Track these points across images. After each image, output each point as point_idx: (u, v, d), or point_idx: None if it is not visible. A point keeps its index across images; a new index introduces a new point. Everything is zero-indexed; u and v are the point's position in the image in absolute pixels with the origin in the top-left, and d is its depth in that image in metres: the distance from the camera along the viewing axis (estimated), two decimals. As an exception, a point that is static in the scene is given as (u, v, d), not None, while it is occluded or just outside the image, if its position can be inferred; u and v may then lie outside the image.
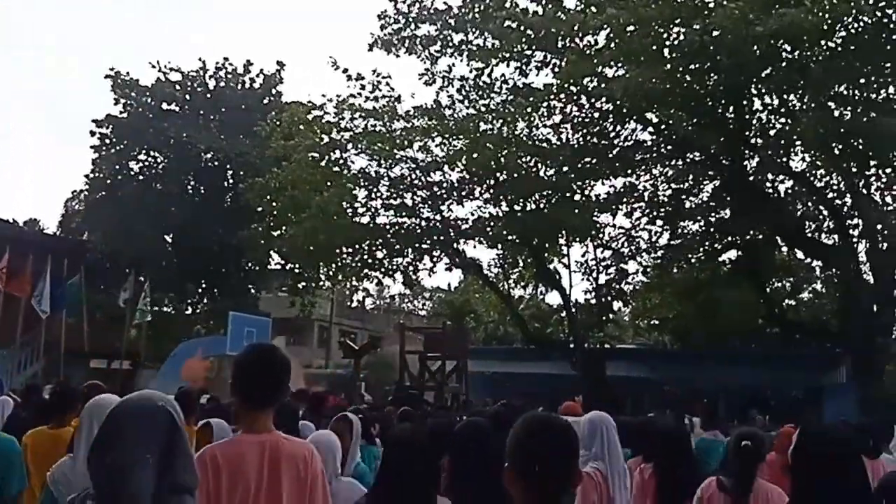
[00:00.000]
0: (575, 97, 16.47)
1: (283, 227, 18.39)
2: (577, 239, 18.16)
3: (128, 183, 25.53)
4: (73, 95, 72.58)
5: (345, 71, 17.12)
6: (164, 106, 26.07)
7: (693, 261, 18.80)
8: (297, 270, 20.16)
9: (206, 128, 25.21)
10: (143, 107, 25.81)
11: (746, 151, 16.58)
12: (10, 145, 70.73)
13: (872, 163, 15.34)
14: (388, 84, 17.26)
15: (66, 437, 3.68)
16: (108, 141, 26.03)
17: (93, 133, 25.87)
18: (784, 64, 14.09)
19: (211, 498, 2.36)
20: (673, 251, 18.69)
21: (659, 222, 18.58)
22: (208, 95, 26.50)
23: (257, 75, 27.21)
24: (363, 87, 17.14)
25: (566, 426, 1.84)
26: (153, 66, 26.24)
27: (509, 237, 17.89)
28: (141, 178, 26.09)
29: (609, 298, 19.15)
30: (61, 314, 19.75)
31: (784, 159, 16.26)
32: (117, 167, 25.76)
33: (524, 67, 16.89)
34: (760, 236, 17.71)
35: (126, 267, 21.73)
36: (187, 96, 26.49)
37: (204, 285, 26.21)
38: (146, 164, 26.48)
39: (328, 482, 2.84)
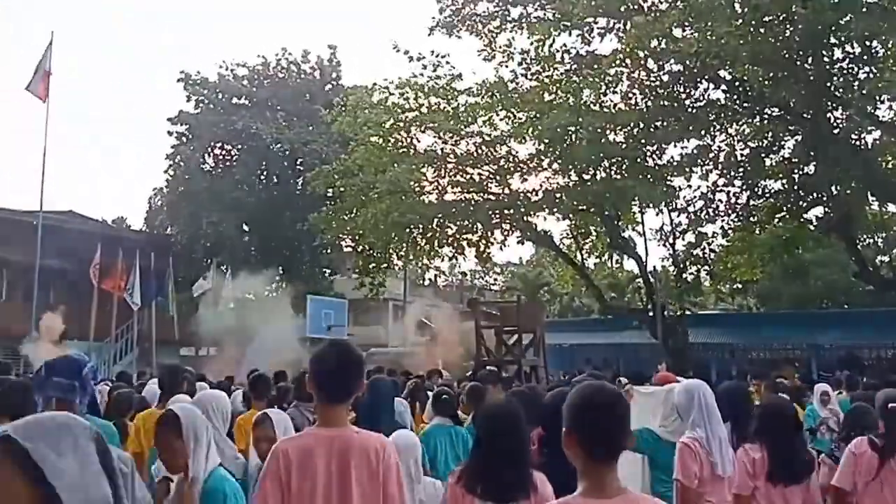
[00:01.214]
0: (642, 61, 16.00)
1: (353, 210, 18.72)
2: (651, 205, 17.71)
3: (203, 177, 26.51)
4: (150, 95, 75.58)
5: (406, 52, 17.22)
6: (234, 101, 26.88)
7: (776, 221, 18.01)
8: (367, 252, 20.49)
9: (273, 118, 25.85)
10: (213, 103, 26.68)
11: (829, 103, 15.74)
12: (96, 147, 74.46)
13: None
14: (448, 62, 17.26)
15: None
16: (183, 138, 27.07)
17: (170, 132, 26.98)
18: (864, 10, 13.23)
19: (283, 493, 2.43)
20: (754, 212, 17.97)
21: (738, 183, 17.88)
22: (272, 87, 27.14)
23: (315, 63, 27.66)
24: (425, 68, 17.21)
25: (616, 393, 1.92)
26: (220, 66, 27.11)
27: (580, 207, 17.63)
28: (216, 171, 27.04)
29: (688, 264, 18.60)
30: (151, 306, 20.83)
31: (870, 109, 15.32)
32: (193, 162, 26.76)
33: (587, 35, 16.54)
34: (848, 191, 16.79)
35: (208, 258, 22.65)
36: (253, 89, 27.20)
37: (281, 271, 27.01)
38: (219, 157, 27.42)
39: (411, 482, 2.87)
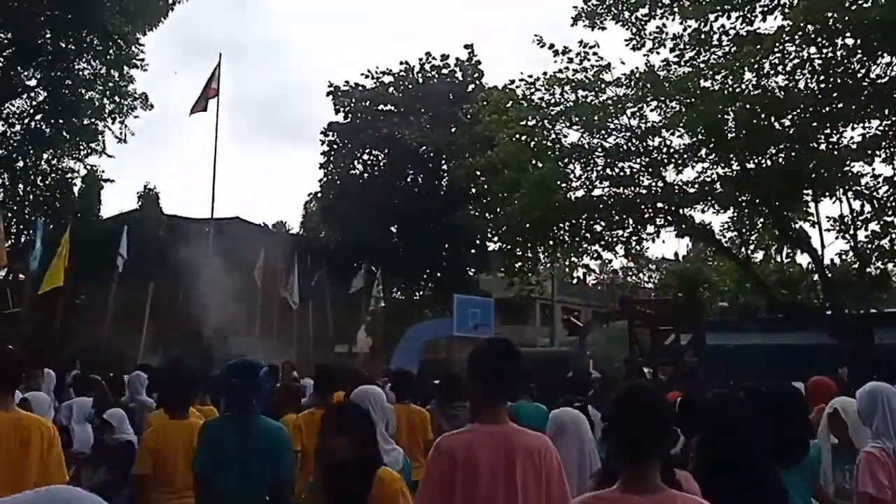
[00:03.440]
0: (812, 37, 14.54)
1: (498, 209, 18.60)
2: (826, 193, 16.05)
3: (354, 181, 27.76)
4: (302, 102, 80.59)
5: (551, 46, 16.85)
6: (380, 107, 27.88)
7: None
8: (514, 250, 20.36)
9: (418, 123, 26.50)
10: (361, 111, 27.84)
11: None
12: (257, 156, 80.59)
13: None
14: (595, 53, 16.65)
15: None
16: (334, 145, 28.48)
17: (322, 141, 28.52)
18: None
19: (445, 488, 2.40)
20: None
21: (930, 165, 15.76)
22: (416, 92, 27.82)
23: (455, 66, 27.99)
24: (570, 61, 16.71)
25: (654, 395, 2.04)
26: (366, 76, 28.22)
27: (742, 198, 16.36)
28: (365, 175, 28.20)
29: (873, 256, 16.64)
30: (308, 305, 22.00)
31: None
32: (344, 168, 28.08)
33: (749, 15, 15.31)
34: None
35: (359, 259, 23.60)
36: (398, 95, 28.06)
37: (428, 270, 27.62)
38: (368, 162, 28.58)
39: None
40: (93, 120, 22.17)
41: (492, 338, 3.06)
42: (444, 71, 28.37)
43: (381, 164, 28.13)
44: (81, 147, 22.48)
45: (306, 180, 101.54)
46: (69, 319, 17.82)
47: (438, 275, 27.74)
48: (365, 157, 28.59)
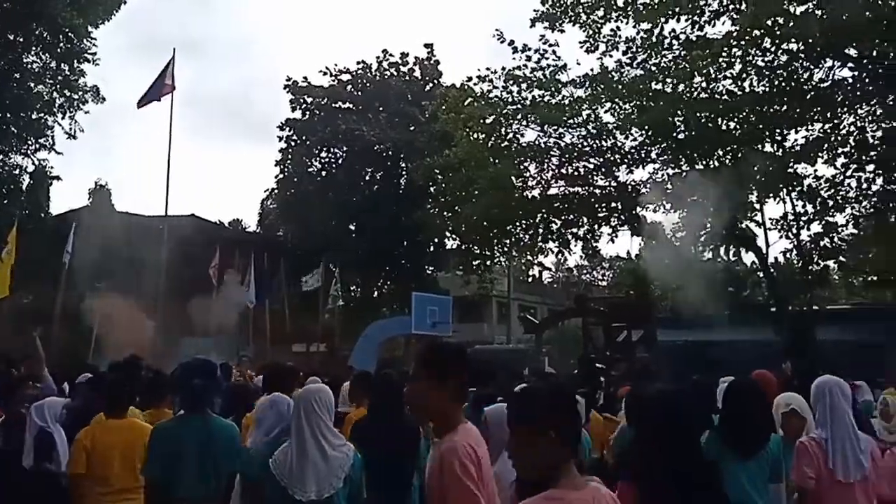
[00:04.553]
0: (759, 41, 15.05)
1: (456, 207, 18.73)
2: (770, 193, 16.64)
3: (312, 179, 27.58)
4: (259, 99, 79.48)
5: (510, 43, 17.04)
6: (338, 105, 27.75)
7: (916, 206, 16.45)
8: (472, 249, 20.53)
9: (376, 121, 26.45)
10: (318, 108, 27.66)
11: (976, 75, 14.19)
12: (213, 153, 79.10)
13: None
14: (554, 52, 16.91)
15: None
16: (292, 143, 28.23)
17: (279, 137, 28.25)
18: None
19: (479, 486, 2.41)
20: (889, 198, 16.48)
21: (870, 167, 16.46)
22: (374, 90, 27.78)
23: (414, 64, 28.05)
24: (528, 59, 16.94)
25: (562, 388, 2.24)
26: (324, 74, 28.06)
27: (692, 198, 16.82)
28: (323, 173, 28.04)
29: (815, 255, 17.31)
30: (265, 304, 21.76)
31: None
32: (301, 166, 27.86)
33: (698, 19, 15.75)
34: None
35: (316, 257, 23.45)
36: (357, 93, 27.97)
37: (386, 268, 27.62)
38: (326, 160, 28.42)
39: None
40: (42, 114, 21.52)
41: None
42: (403, 69, 28.40)
43: (339, 161, 28.01)
44: (30, 142, 21.81)
45: (263, 177, 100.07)
46: (12, 321, 17.29)
47: (397, 273, 27.77)
48: (323, 154, 28.42)
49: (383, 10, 75.37)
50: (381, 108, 27.31)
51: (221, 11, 75.30)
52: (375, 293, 28.68)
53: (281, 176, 28.60)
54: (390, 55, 28.40)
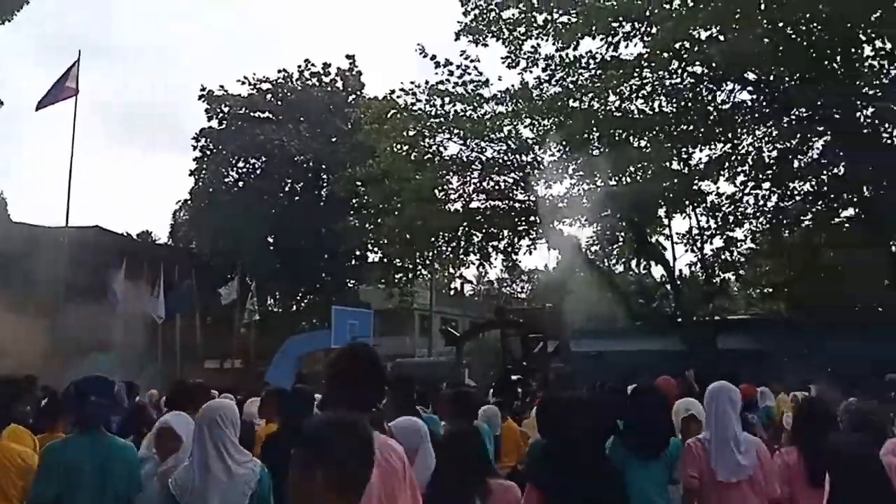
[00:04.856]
0: (667, 64, 15.84)
1: (378, 219, 18.69)
2: (677, 209, 17.48)
3: (228, 190, 26.83)
4: (173, 107, 76.75)
5: (433, 58, 17.22)
6: (257, 115, 27.18)
7: (806, 223, 17.67)
8: (394, 262, 20.51)
9: (297, 131, 26.06)
10: (237, 118, 27.00)
11: (858, 102, 15.44)
12: (120, 161, 75.64)
13: None
14: (476, 68, 17.19)
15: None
16: (207, 152, 27.41)
17: (193, 147, 27.38)
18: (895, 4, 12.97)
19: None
20: (783, 214, 17.64)
21: (766, 185, 17.59)
22: (295, 100, 27.39)
23: (336, 75, 27.88)
24: (451, 73, 17.16)
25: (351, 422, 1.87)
26: (242, 83, 27.44)
27: (605, 213, 17.46)
28: (240, 184, 27.34)
29: (716, 268, 18.32)
30: (175, 319, 20.94)
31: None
32: (217, 176, 27.08)
33: (612, 40, 16.42)
34: (881, 191, 16.39)
35: (232, 270, 22.80)
36: (277, 103, 27.49)
37: (306, 282, 27.16)
38: (243, 170, 27.72)
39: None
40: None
41: (351, 343, 2.92)
42: (325, 80, 28.13)
43: (258, 172, 27.38)
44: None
45: (176, 188, 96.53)
46: None
47: (317, 286, 27.34)
48: (240, 165, 27.71)
49: (304, 20, 74.58)
50: (301, 119, 26.93)
51: (134, 16, 72.51)
52: (294, 307, 28.12)
53: (195, 187, 27.70)
54: (312, 65, 28.13)
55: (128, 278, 19.35)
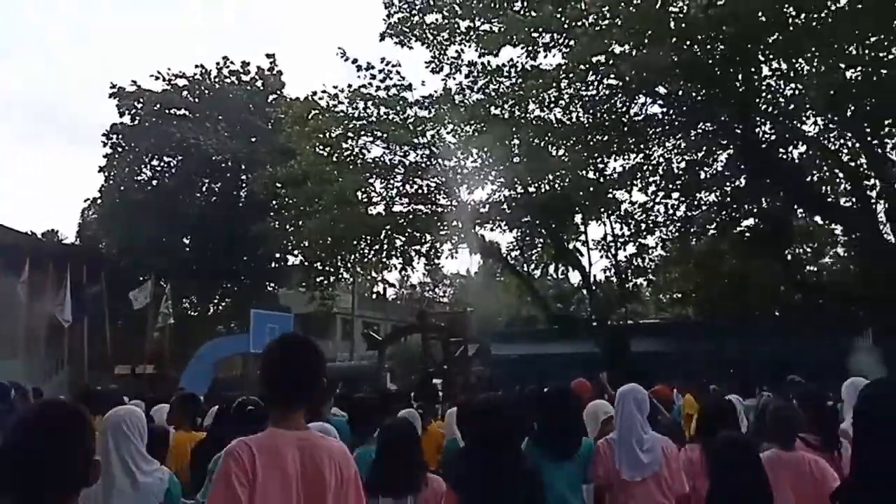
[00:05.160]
0: (584, 76, 16.39)
1: (300, 222, 18.46)
2: (592, 217, 18.13)
3: (140, 189, 25.79)
4: (84, 103, 72.95)
5: (354, 61, 17.14)
6: (172, 111, 26.26)
7: (711, 232, 18.71)
8: (315, 265, 20.25)
9: (214, 129, 25.36)
10: (150, 114, 26.01)
11: (758, 119, 16.46)
12: (26, 158, 71.28)
13: (886, 122, 15.15)
14: (398, 72, 17.24)
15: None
16: (119, 149, 26.27)
17: (104, 143, 26.18)
18: (791, 28, 13.95)
19: (244, 495, 2.14)
20: (690, 223, 18.62)
21: (675, 195, 18.50)
22: (213, 98, 26.63)
23: (256, 74, 27.31)
24: (373, 77, 17.14)
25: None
26: (157, 78, 26.45)
27: (525, 219, 17.89)
28: (154, 182, 26.34)
29: (629, 274, 19.12)
30: (83, 323, 19.99)
31: (796, 124, 16.13)
32: (129, 174, 26.00)
33: (532, 50, 16.84)
34: (778, 203, 17.58)
35: (145, 272, 21.94)
36: (194, 101, 26.64)
37: (224, 285, 26.44)
38: (158, 169, 26.71)
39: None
40: None
41: (286, 334, 2.64)
42: (245, 78, 27.47)
43: (173, 171, 26.43)
44: None
45: (85, 186, 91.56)
46: None
47: (235, 289, 26.65)
48: (154, 162, 26.67)
49: (221, 15, 72.56)
50: (220, 117, 26.19)
51: (40, 6, 68.53)
52: (211, 310, 27.30)
53: (105, 185, 26.48)
54: (231, 62, 27.41)
55: (32, 279, 18.36)
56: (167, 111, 26.18)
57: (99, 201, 27.23)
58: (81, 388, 6.23)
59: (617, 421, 3.92)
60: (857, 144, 16.34)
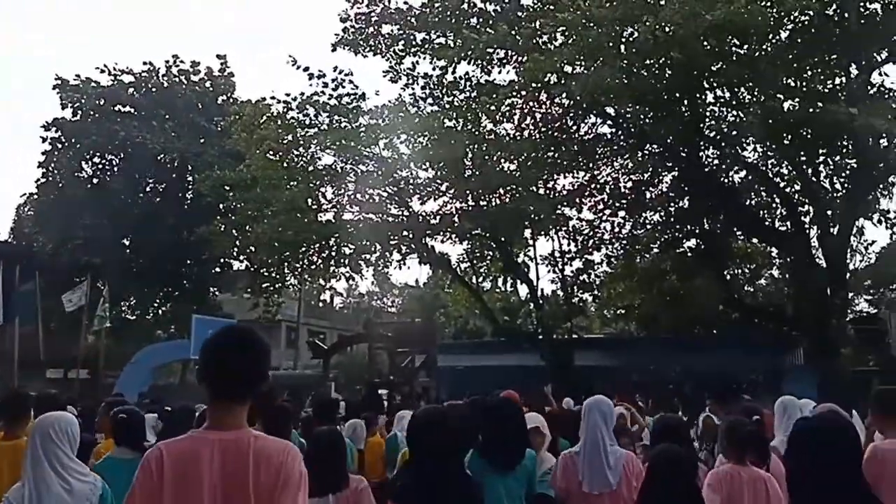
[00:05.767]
0: (536, 94, 16.68)
1: (247, 226, 18.15)
2: (542, 231, 18.42)
3: (80, 186, 24.93)
4: (22, 96, 70.08)
5: (306, 69, 17.00)
6: (117, 108, 25.52)
7: (655, 250, 19.26)
8: (261, 271, 19.91)
9: (161, 129, 24.72)
10: (94, 109, 25.20)
11: (701, 143, 17.05)
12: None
13: (821, 151, 15.90)
14: (351, 81, 17.20)
15: (22, 447, 3.42)
16: (58, 144, 25.36)
17: (43, 138, 25.23)
18: (734, 58, 14.54)
19: (156, 499, 2.05)
20: (635, 241, 19.12)
21: (621, 213, 18.99)
22: (160, 96, 25.97)
23: (206, 75, 26.79)
24: (325, 85, 17.04)
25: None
26: (102, 71, 25.67)
27: (475, 231, 18.03)
28: (94, 180, 25.50)
29: (575, 289, 19.48)
30: (14, 323, 19.15)
31: (737, 150, 16.76)
32: (69, 170, 25.11)
33: (486, 65, 17.06)
34: (718, 225, 18.23)
35: (82, 272, 21.16)
36: (139, 98, 25.93)
37: (165, 288, 25.72)
38: (99, 166, 25.87)
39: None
40: None
41: (229, 325, 2.50)
42: (194, 78, 26.88)
43: (116, 169, 25.62)
44: None
45: (20, 182, 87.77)
46: None
47: (176, 293, 25.94)
48: (96, 159, 25.80)
49: (171, 13, 70.98)
50: (167, 116, 25.54)
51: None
52: (151, 315, 26.49)
53: (43, 181, 25.50)
54: (181, 61, 26.78)
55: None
56: (112, 107, 25.41)
57: (36, 197, 26.19)
58: (12, 390, 5.93)
59: (582, 433, 3.93)
60: (793, 171, 17.10)
